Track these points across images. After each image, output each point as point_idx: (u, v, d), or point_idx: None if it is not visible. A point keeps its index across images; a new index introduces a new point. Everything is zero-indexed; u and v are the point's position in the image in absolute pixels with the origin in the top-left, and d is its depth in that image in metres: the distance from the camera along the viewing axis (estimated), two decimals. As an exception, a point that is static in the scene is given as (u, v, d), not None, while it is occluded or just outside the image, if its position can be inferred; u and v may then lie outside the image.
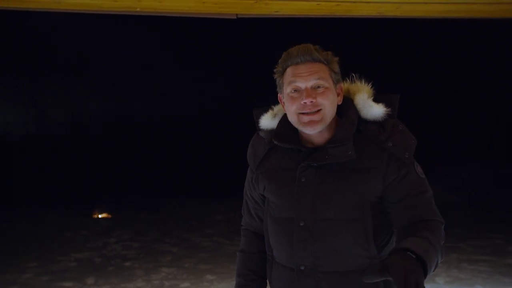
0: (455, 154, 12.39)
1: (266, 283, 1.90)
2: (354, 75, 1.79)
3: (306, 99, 1.62)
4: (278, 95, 1.78)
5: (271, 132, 1.80)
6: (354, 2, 3.61)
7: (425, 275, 1.41)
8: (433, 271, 1.52)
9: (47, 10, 3.88)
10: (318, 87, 1.64)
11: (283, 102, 1.74)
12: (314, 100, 1.62)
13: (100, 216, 8.85)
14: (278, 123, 1.78)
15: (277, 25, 10.41)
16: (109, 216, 8.88)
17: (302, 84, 1.64)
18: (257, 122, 1.87)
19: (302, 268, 1.67)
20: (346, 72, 1.80)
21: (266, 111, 1.86)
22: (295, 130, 1.74)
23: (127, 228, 7.81)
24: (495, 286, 5.01)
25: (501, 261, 5.82)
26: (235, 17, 3.99)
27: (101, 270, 5.75)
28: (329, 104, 1.64)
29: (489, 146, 13.42)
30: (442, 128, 12.98)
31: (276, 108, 1.84)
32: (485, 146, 13.33)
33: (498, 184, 10.36)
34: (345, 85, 1.78)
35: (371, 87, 1.75)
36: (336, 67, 1.70)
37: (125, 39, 12.46)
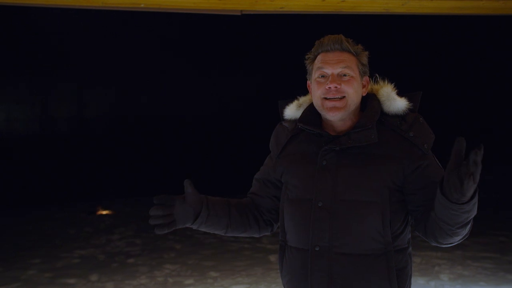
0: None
1: (230, 208, 1.89)
2: (377, 75, 1.85)
3: (330, 84, 1.68)
4: (307, 82, 1.84)
5: (295, 121, 1.86)
6: (359, -2, 3.61)
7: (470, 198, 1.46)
8: (465, 224, 1.58)
9: (51, 6, 3.88)
10: (344, 75, 1.70)
11: (311, 89, 1.80)
12: (338, 86, 1.68)
13: (103, 213, 8.85)
14: (303, 111, 1.84)
15: (281, 22, 10.36)
16: (112, 212, 8.88)
17: (329, 70, 1.71)
18: (282, 113, 1.93)
19: (317, 249, 1.69)
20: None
21: (291, 102, 1.92)
22: (319, 118, 1.79)
23: (130, 225, 7.81)
24: (499, 283, 5.00)
25: (505, 258, 5.82)
26: (240, 14, 3.98)
27: (105, 266, 5.75)
28: (353, 93, 1.70)
29: (489, 144, 13.38)
30: (443, 126, 12.94)
31: (302, 99, 1.90)
32: (486, 144, 13.29)
33: (498, 183, 10.37)
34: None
35: (394, 86, 1.82)
36: (364, 60, 1.77)
37: (126, 37, 12.44)
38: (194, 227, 1.80)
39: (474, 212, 1.55)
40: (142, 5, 3.83)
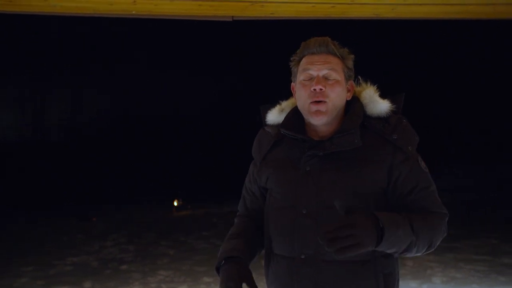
0: (442, 157, 12.44)
1: (252, 243, 1.85)
2: (360, 77, 1.81)
3: (315, 85, 1.66)
4: (291, 84, 1.81)
5: (277, 126, 1.82)
6: (349, 4, 3.63)
7: (378, 243, 1.47)
8: (405, 251, 1.55)
9: (42, 13, 3.88)
10: (330, 78, 1.68)
11: (295, 91, 1.78)
12: (323, 89, 1.66)
13: (95, 219, 8.81)
14: (285, 116, 1.81)
15: (272, 28, 10.41)
16: (104, 218, 8.84)
17: (314, 72, 1.69)
18: (264, 118, 1.90)
19: (303, 257, 1.66)
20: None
21: (273, 107, 1.89)
22: (302, 122, 1.77)
23: (124, 231, 7.79)
24: (491, 285, 5.03)
25: (497, 260, 5.85)
26: (231, 19, 4.00)
27: (98, 273, 5.73)
28: (336, 97, 1.68)
29: (480, 148, 13.49)
30: (433, 129, 13.01)
31: (284, 104, 1.88)
32: (476, 148, 13.39)
33: (496, 182, 10.45)
34: None
35: (377, 88, 1.79)
36: (350, 64, 1.74)
37: (121, 42, 12.46)
38: None
39: (403, 245, 1.53)
40: (133, 12, 3.84)
